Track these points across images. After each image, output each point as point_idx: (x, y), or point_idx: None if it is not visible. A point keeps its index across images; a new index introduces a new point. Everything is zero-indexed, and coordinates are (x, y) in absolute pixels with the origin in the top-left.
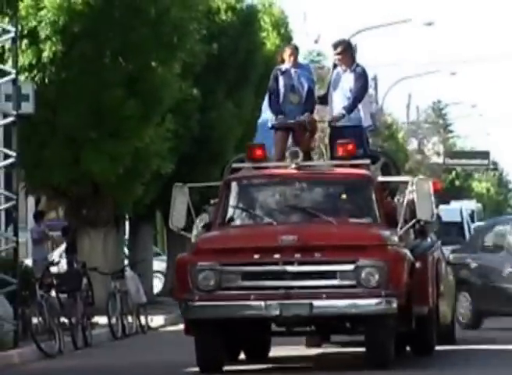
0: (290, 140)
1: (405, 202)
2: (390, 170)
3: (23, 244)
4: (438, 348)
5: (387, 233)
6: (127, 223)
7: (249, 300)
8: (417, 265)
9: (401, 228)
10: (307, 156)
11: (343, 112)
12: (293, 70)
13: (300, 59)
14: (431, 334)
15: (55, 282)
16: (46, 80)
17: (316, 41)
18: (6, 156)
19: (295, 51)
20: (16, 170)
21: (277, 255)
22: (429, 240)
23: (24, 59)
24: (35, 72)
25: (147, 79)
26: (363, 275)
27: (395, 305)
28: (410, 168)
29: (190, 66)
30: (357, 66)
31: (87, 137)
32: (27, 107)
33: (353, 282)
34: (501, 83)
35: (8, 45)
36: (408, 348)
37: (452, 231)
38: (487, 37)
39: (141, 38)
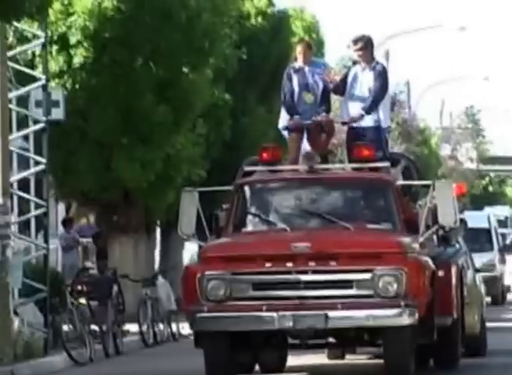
0: (305, 141)
1: (427, 207)
2: (412, 174)
3: (53, 250)
4: (466, 360)
5: (407, 240)
6: (158, 230)
7: (261, 311)
8: (440, 273)
9: (422, 235)
10: (324, 159)
11: (362, 112)
12: (306, 68)
13: (332, 64)
14: (455, 346)
15: (85, 289)
16: (76, 86)
17: (348, 47)
18: (36, 163)
19: (306, 47)
20: (46, 177)
21: (290, 264)
22: (454, 247)
23: (54, 65)
24: (65, 78)
25: (178, 84)
26: (380, 284)
27: (415, 315)
28: (443, 174)
29: (222, 72)
30: (377, 63)
31: (118, 143)
32: (58, 113)
33: (370, 292)
34: None
35: (38, 51)
36: (432, 361)
37: (479, 238)
38: None
39: (172, 43)
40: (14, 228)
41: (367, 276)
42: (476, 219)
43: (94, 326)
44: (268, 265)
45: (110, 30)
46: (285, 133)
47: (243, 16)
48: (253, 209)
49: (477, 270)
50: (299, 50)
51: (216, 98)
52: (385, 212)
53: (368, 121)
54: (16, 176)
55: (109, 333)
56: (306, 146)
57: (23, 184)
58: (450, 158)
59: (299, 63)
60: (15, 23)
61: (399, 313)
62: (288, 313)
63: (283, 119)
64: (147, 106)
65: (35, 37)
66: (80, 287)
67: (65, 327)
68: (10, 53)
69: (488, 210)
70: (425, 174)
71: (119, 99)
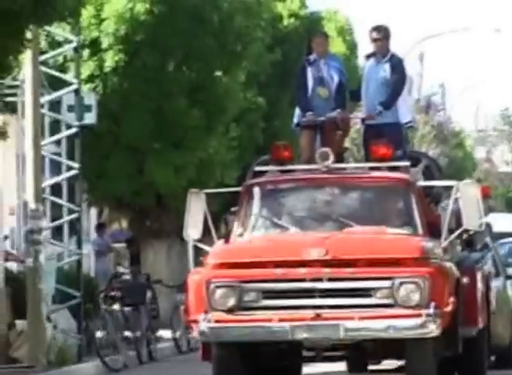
0: (319, 139)
1: (450, 210)
2: (433, 174)
3: (86, 256)
4: (495, 372)
5: (429, 244)
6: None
7: (272, 321)
8: (464, 280)
9: (445, 239)
10: (339, 158)
11: (380, 108)
12: (321, 61)
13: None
14: (481, 358)
15: (119, 295)
16: (108, 90)
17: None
18: (69, 168)
19: (324, 39)
20: (78, 182)
21: (304, 271)
22: (480, 251)
23: (86, 69)
24: (97, 82)
25: (211, 88)
26: (401, 293)
27: (438, 326)
28: (478, 177)
29: (255, 75)
30: (393, 55)
31: (151, 147)
32: (90, 118)
33: (389, 301)
34: None
35: (70, 55)
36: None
37: None
38: None
39: (205, 47)
40: (46, 233)
41: (386, 283)
42: (504, 222)
43: (127, 333)
44: (279, 272)
45: (142, 34)
46: (297, 130)
47: (276, 18)
48: (264, 212)
49: (508, 277)
50: (317, 42)
51: (249, 102)
52: (405, 215)
53: (386, 117)
54: (48, 182)
55: (143, 339)
56: (319, 144)
57: (56, 189)
58: (485, 160)
59: (313, 56)
60: (47, 28)
61: (421, 324)
62: (302, 324)
63: (297, 116)
64: (179, 110)
65: (67, 41)
66: (113, 293)
67: (98, 333)
68: (42, 57)
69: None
70: (460, 177)
71: (151, 103)
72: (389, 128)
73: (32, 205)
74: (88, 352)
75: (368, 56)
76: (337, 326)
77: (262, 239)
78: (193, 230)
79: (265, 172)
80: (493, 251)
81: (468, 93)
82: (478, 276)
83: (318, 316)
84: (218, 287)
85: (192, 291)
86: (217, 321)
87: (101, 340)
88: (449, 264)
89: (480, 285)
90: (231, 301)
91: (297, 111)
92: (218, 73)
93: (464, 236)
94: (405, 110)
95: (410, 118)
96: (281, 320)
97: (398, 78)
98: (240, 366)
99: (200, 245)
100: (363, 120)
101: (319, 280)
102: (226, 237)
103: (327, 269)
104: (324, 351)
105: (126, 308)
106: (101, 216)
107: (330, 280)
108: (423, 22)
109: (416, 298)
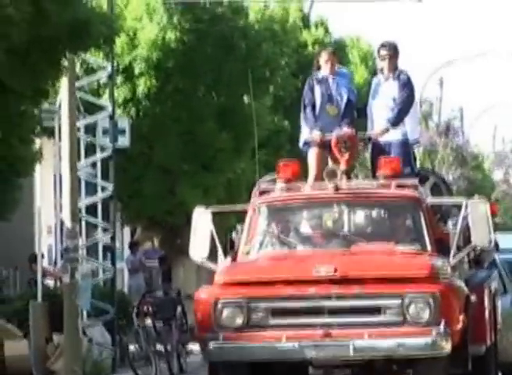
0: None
1: (459, 227)
2: (441, 191)
3: (119, 273)
4: None
5: (438, 262)
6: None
7: (281, 340)
8: (473, 298)
9: (454, 256)
10: (347, 176)
11: (388, 125)
12: (330, 78)
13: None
14: None
15: (151, 310)
16: (141, 115)
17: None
18: (103, 189)
19: (333, 56)
20: (112, 202)
21: (312, 289)
22: (487, 269)
23: (119, 94)
24: (130, 106)
25: (239, 112)
26: (411, 311)
27: (448, 344)
28: (496, 198)
29: (281, 99)
30: (401, 72)
31: (182, 169)
32: (123, 141)
33: (399, 319)
34: None
35: (104, 81)
36: None
37: None
38: None
39: (233, 73)
40: (82, 252)
41: (396, 301)
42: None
43: (159, 346)
44: (288, 290)
45: (173, 61)
46: (305, 149)
47: (301, 45)
48: (271, 230)
49: None
50: (326, 58)
51: (275, 125)
52: (414, 232)
53: (393, 135)
54: (84, 202)
55: (174, 352)
56: (328, 162)
57: (91, 209)
58: (503, 182)
59: (323, 73)
60: (82, 55)
61: (431, 342)
62: (310, 342)
63: (304, 135)
64: (209, 133)
65: (101, 67)
66: (145, 308)
67: (131, 347)
68: (78, 83)
69: None
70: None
71: (181, 126)
72: (397, 145)
73: (68, 225)
74: (121, 364)
75: (375, 73)
76: (347, 345)
77: (270, 257)
78: (199, 249)
79: (271, 190)
80: (500, 268)
81: (486, 116)
82: (486, 293)
83: (327, 335)
84: (225, 305)
85: (200, 310)
86: (225, 340)
87: (133, 353)
88: (458, 282)
89: (488, 303)
90: (238, 320)
91: (304, 130)
92: (246, 98)
93: (472, 254)
94: (413, 127)
95: (418, 135)
96: (289, 339)
97: (406, 95)
98: None
99: (208, 264)
100: (370, 138)
101: (328, 298)
102: (233, 256)
103: (336, 288)
104: (332, 370)
105: (158, 323)
106: (134, 234)
107: (339, 298)
108: (443, 48)
109: (426, 315)
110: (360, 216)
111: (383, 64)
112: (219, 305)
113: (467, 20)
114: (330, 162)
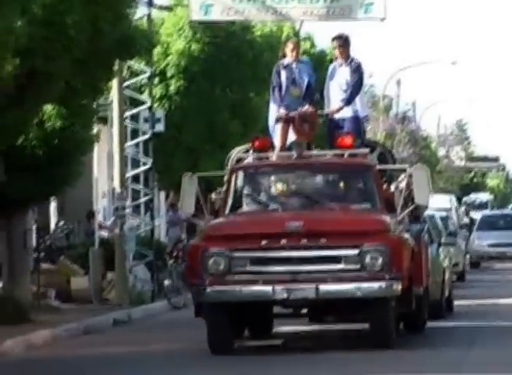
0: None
1: (404, 189)
2: (387, 159)
3: (157, 227)
4: (428, 322)
5: (389, 218)
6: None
7: (257, 284)
8: (415, 248)
9: (400, 213)
10: (308, 147)
11: (341, 104)
12: (294, 65)
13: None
14: (424, 313)
15: (180, 254)
16: (172, 107)
17: (370, 76)
18: (144, 163)
19: (297, 46)
20: (151, 173)
21: (284, 241)
22: (421, 224)
23: (156, 92)
24: (164, 101)
25: (247, 105)
26: (367, 259)
27: (398, 287)
28: (439, 169)
29: None
30: (353, 60)
31: (203, 148)
32: (159, 127)
33: (357, 266)
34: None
35: (144, 82)
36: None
37: None
38: (500, 74)
39: (242, 75)
40: (129, 210)
41: (355, 252)
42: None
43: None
44: (263, 242)
45: (197, 66)
46: (272, 125)
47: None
48: (247, 192)
49: (440, 244)
50: (291, 47)
51: None
52: (366, 194)
53: (346, 112)
54: (130, 173)
55: None
56: (292, 135)
57: (135, 179)
58: (445, 157)
59: (287, 60)
60: (128, 61)
61: (385, 285)
62: (282, 286)
63: (272, 113)
64: (223, 121)
65: (142, 71)
66: (176, 253)
67: (166, 282)
68: (125, 83)
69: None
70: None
71: (203, 116)
72: (350, 121)
73: (118, 190)
74: (158, 295)
75: (331, 60)
76: (313, 288)
77: (247, 215)
78: (187, 207)
79: (245, 159)
80: (428, 223)
81: (433, 108)
82: (423, 243)
83: (296, 280)
84: (211, 255)
85: (190, 259)
86: (210, 284)
87: (167, 286)
88: (406, 235)
89: (424, 252)
90: (222, 267)
91: (271, 110)
92: (252, 95)
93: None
94: (362, 106)
95: (367, 112)
96: (265, 283)
97: (357, 79)
98: (228, 321)
99: (194, 220)
100: (327, 115)
101: (297, 248)
102: (215, 213)
103: (304, 240)
104: (300, 309)
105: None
106: (168, 197)
107: (306, 248)
108: (400, 55)
109: (380, 263)
110: (320, 180)
111: (337, 52)
112: (206, 255)
113: (419, 33)
114: (293, 136)
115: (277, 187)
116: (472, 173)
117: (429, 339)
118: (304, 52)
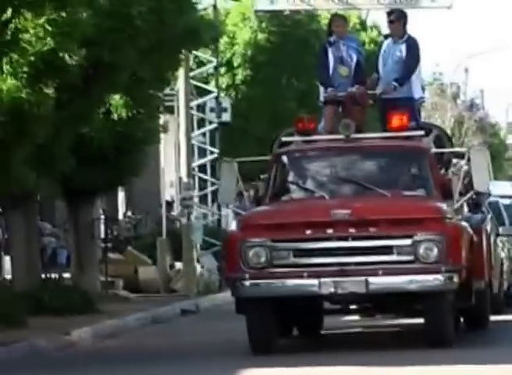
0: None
1: (462, 174)
2: (443, 142)
3: (224, 216)
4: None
5: (444, 205)
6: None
7: (302, 278)
8: (474, 238)
9: (457, 201)
10: (358, 129)
11: (395, 84)
12: (341, 42)
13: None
14: (486, 308)
15: None
16: (239, 97)
17: (437, 65)
18: (211, 152)
19: (343, 22)
20: (218, 163)
21: (330, 231)
22: (482, 213)
23: (223, 81)
24: (231, 91)
25: (313, 94)
26: (421, 250)
27: (455, 280)
28: (509, 157)
29: None
30: (409, 37)
31: (270, 138)
32: (226, 116)
33: (410, 257)
34: None
35: (210, 71)
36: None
37: None
38: None
39: (308, 65)
40: (196, 200)
41: (407, 242)
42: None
43: None
44: (308, 232)
45: (263, 56)
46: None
47: (359, 44)
48: (292, 178)
49: (498, 234)
50: (336, 24)
51: None
52: (421, 179)
53: (400, 92)
54: (196, 163)
55: None
56: (341, 118)
57: (202, 168)
58: None
59: (333, 37)
60: (194, 52)
61: (440, 278)
62: (329, 279)
63: (321, 94)
64: (290, 110)
65: (209, 61)
66: None
67: None
68: (191, 73)
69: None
70: (495, 158)
71: (269, 106)
72: (404, 102)
73: (185, 180)
74: (226, 285)
75: (386, 36)
76: (362, 281)
77: (291, 203)
78: (226, 196)
79: (291, 143)
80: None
81: (501, 95)
82: (484, 234)
83: (344, 272)
84: (251, 246)
85: (228, 251)
86: (251, 278)
87: None
88: (463, 223)
89: (485, 243)
90: (263, 260)
91: (321, 89)
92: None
93: (472, 198)
94: (418, 87)
95: (423, 94)
96: (310, 277)
97: (412, 57)
98: (271, 318)
99: (235, 209)
100: (380, 95)
101: (345, 238)
102: (258, 202)
103: (352, 229)
104: (348, 305)
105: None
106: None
107: (355, 238)
108: (469, 42)
109: (435, 254)
110: (371, 165)
111: (392, 28)
112: (246, 246)
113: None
114: (342, 118)
115: (324, 173)
116: None
117: (488, 336)
118: (371, 41)
